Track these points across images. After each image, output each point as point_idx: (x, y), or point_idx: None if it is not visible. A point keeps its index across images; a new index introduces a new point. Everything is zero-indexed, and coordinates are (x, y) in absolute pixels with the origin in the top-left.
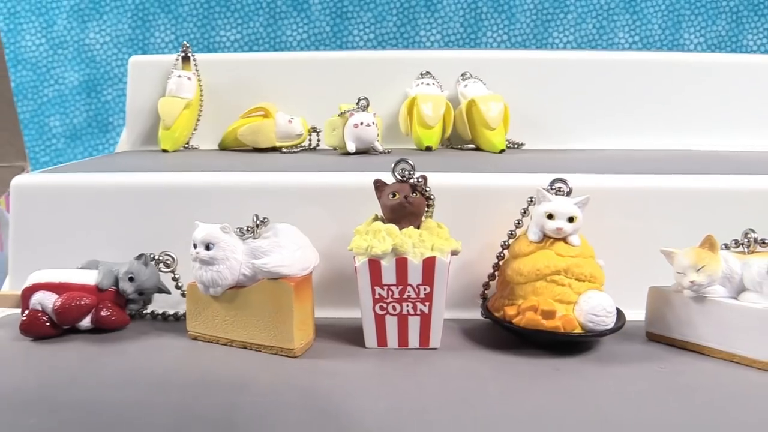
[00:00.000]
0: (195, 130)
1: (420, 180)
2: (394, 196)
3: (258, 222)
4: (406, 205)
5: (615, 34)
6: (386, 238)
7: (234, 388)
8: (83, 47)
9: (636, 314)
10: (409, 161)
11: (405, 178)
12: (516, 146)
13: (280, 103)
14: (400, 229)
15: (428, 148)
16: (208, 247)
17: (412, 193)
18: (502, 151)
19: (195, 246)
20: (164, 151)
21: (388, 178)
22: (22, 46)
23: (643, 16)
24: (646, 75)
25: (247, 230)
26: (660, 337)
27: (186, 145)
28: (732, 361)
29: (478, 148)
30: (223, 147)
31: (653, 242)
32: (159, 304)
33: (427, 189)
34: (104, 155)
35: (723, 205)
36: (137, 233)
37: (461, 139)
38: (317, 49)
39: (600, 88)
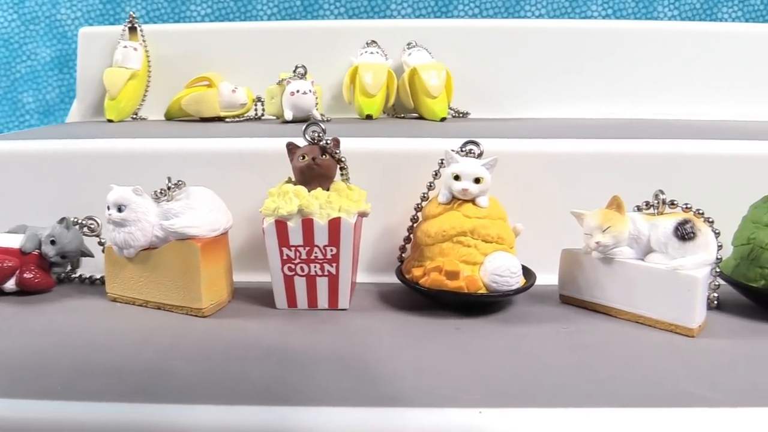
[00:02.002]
0: (143, 101)
1: (330, 142)
2: (304, 158)
3: (171, 185)
4: (314, 167)
5: (588, 6)
6: (293, 199)
7: (135, 345)
8: (55, 23)
9: (554, 279)
10: (321, 124)
11: (315, 141)
12: (461, 115)
13: (228, 73)
14: (309, 191)
15: (368, 117)
16: (120, 209)
17: (322, 156)
18: (443, 119)
19: (109, 208)
20: (110, 121)
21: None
22: None
23: None
24: (599, 42)
25: (161, 193)
26: (572, 299)
27: (134, 116)
28: (637, 323)
29: (420, 117)
30: (169, 117)
31: (571, 205)
32: (88, 269)
33: (338, 152)
34: (50, 126)
35: (639, 169)
36: (73, 199)
37: (405, 108)
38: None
39: (552, 57)
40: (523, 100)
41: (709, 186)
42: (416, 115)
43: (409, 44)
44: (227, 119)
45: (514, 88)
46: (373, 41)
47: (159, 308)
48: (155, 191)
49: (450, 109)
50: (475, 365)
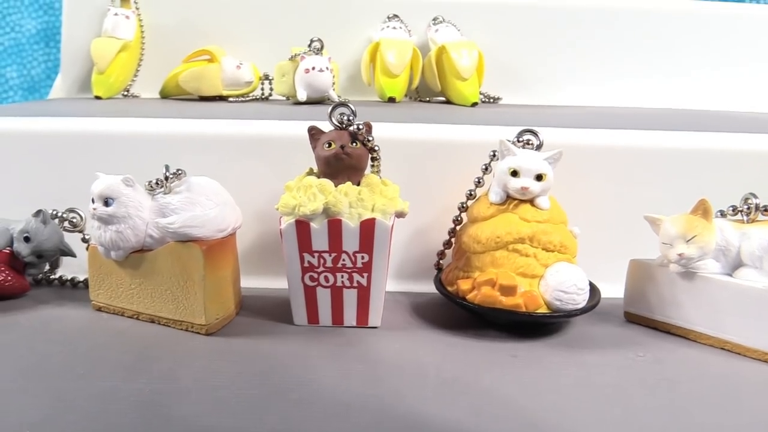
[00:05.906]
0: (135, 76)
1: (362, 128)
2: (330, 145)
3: (169, 174)
4: (342, 157)
5: None
6: (318, 195)
7: (123, 371)
8: None
9: (614, 291)
10: (350, 105)
11: (344, 125)
12: (492, 100)
13: (231, 47)
14: (336, 186)
15: (391, 99)
16: (107, 203)
17: (352, 143)
18: (474, 104)
19: (93, 201)
20: (97, 98)
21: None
22: None
23: None
24: (647, 24)
25: (157, 184)
26: (640, 318)
27: (125, 93)
28: (723, 349)
29: (448, 101)
30: (164, 95)
31: (637, 208)
32: (71, 269)
33: (370, 139)
34: (28, 102)
35: (719, 167)
36: (51, 188)
37: (430, 91)
38: None
39: (592, 37)
40: (554, 85)
41: None
42: (443, 99)
43: (435, 19)
44: (230, 99)
45: (545, 71)
46: (395, 15)
47: (153, 321)
48: (150, 182)
49: (480, 93)
50: (545, 406)
